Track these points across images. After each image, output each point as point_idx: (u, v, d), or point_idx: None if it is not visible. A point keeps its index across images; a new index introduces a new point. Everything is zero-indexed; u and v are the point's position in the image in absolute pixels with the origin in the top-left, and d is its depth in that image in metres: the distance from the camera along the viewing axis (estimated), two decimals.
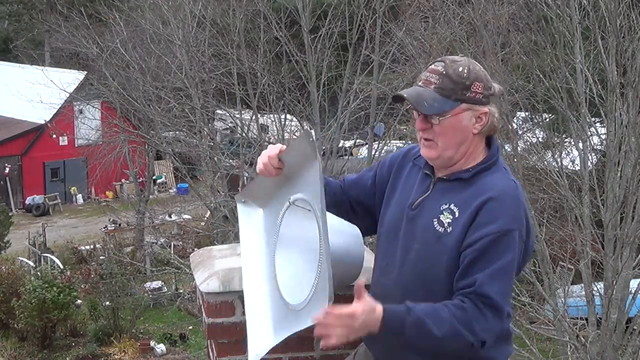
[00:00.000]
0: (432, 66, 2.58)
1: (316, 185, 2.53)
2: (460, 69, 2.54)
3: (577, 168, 11.62)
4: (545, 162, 12.25)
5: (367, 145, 16.84)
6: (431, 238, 2.53)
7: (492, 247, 2.42)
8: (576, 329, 10.92)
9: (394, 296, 2.56)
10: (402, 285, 2.58)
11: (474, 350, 2.42)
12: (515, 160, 11.29)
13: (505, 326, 2.49)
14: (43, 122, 30.27)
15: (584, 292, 10.94)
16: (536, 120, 14.05)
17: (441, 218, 2.51)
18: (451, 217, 2.50)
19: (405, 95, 2.56)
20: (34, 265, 21.83)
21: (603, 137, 11.50)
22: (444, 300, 2.45)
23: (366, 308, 2.34)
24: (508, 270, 2.44)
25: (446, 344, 2.41)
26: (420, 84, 2.56)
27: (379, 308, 2.37)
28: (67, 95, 24.99)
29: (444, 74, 2.53)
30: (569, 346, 10.29)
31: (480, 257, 2.43)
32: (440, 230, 2.51)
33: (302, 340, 2.87)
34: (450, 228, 2.49)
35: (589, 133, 11.21)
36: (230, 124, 18.54)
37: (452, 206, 2.51)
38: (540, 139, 13.78)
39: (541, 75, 11.51)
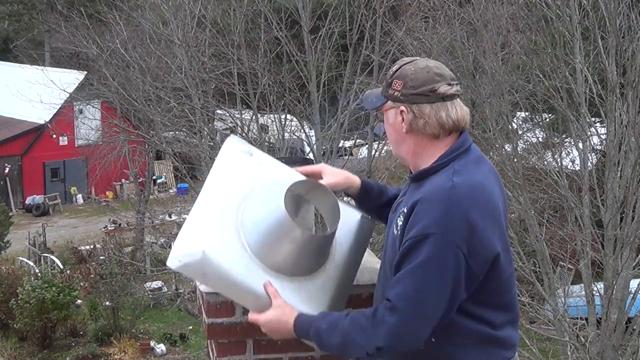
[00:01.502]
0: None
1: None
2: (395, 67, 2.61)
3: (577, 168, 11.62)
4: (545, 162, 12.25)
5: (367, 145, 16.83)
6: (390, 240, 2.58)
7: (408, 251, 2.41)
8: (576, 329, 10.93)
9: (376, 296, 2.68)
10: (379, 287, 2.67)
11: (373, 356, 2.43)
12: (515, 160, 11.29)
13: (403, 327, 2.40)
14: (43, 122, 30.29)
15: (584, 292, 10.94)
16: (536, 120, 14.06)
17: (397, 221, 2.54)
18: (402, 221, 2.51)
19: (364, 93, 2.76)
20: (34, 266, 21.82)
21: (603, 137, 11.50)
22: None
23: (272, 318, 2.56)
24: (415, 273, 2.38)
25: (344, 351, 2.49)
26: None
27: (291, 319, 2.53)
28: (67, 95, 25.00)
29: (388, 72, 2.64)
30: (569, 346, 10.30)
31: (398, 262, 2.44)
32: (395, 233, 2.54)
33: (302, 340, 2.87)
34: (399, 231, 2.51)
35: (589, 133, 11.21)
36: (230, 124, 18.53)
37: (405, 209, 2.52)
38: (540, 139, 13.78)
39: (541, 75, 11.50)
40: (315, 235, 2.72)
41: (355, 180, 2.88)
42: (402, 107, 2.56)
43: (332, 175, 2.85)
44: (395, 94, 2.57)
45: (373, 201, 2.88)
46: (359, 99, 15.48)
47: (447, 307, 2.41)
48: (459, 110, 2.55)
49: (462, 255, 2.38)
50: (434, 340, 2.48)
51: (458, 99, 2.57)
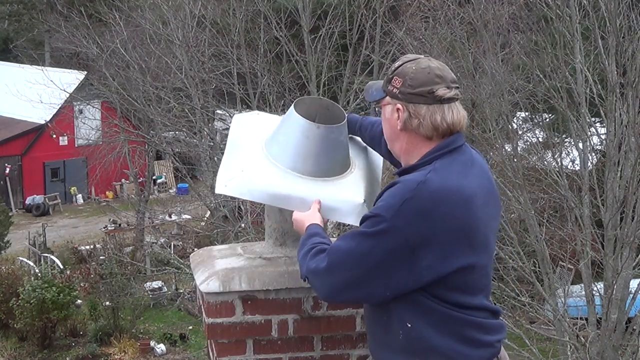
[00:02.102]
0: None
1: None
2: (397, 63, 2.63)
3: (577, 168, 11.62)
4: (545, 162, 12.25)
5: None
6: None
7: (362, 221, 2.53)
8: (576, 329, 10.92)
9: None
10: None
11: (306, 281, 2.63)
12: (515, 160, 11.28)
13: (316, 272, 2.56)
14: (43, 122, 30.30)
15: (584, 292, 10.94)
16: (536, 120, 14.06)
17: None
18: None
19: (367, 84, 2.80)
20: (34, 266, 21.82)
21: (603, 137, 11.50)
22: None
23: (299, 218, 2.78)
24: (354, 237, 2.50)
25: (298, 265, 2.67)
26: None
27: (306, 224, 2.73)
28: (67, 95, 24.99)
29: (392, 66, 2.67)
30: (569, 346, 10.30)
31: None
32: None
33: (302, 340, 2.87)
34: None
35: (589, 133, 11.21)
36: (230, 124, 18.53)
37: None
38: (540, 139, 13.78)
39: (541, 75, 11.50)
40: (331, 127, 2.90)
41: None
42: (399, 105, 2.57)
43: None
44: (394, 90, 2.58)
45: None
46: (359, 98, 15.50)
47: (370, 284, 2.49)
48: (455, 114, 2.54)
49: (408, 247, 2.43)
50: (409, 325, 2.52)
51: (457, 102, 2.56)
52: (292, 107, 2.99)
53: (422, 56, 2.63)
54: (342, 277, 2.52)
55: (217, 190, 2.86)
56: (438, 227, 2.43)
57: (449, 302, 2.51)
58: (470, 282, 2.53)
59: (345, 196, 2.85)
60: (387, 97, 2.61)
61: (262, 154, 2.95)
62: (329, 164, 2.90)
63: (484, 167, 2.64)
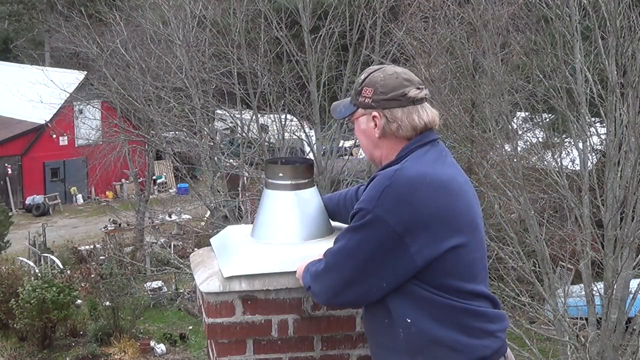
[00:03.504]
0: None
1: None
2: (363, 76, 2.71)
3: (577, 168, 11.62)
4: (545, 162, 12.25)
5: None
6: None
7: (350, 220, 2.59)
8: (576, 329, 10.93)
9: None
10: None
11: (309, 292, 2.70)
12: (515, 160, 11.28)
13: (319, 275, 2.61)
14: (43, 122, 30.31)
15: (584, 292, 10.94)
16: (536, 120, 14.06)
17: None
18: None
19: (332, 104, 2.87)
20: (34, 266, 21.82)
21: (603, 137, 11.50)
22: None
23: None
24: (345, 236, 2.57)
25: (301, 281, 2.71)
26: None
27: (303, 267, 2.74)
28: (67, 95, 25.00)
29: (356, 81, 2.74)
30: (569, 346, 10.30)
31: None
32: None
33: (302, 340, 2.88)
34: None
35: (589, 133, 11.20)
36: (230, 124, 18.53)
37: None
38: (540, 139, 13.78)
39: (541, 76, 11.50)
40: (307, 191, 2.97)
41: None
42: (375, 113, 2.65)
43: None
44: (366, 100, 2.66)
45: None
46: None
47: (367, 278, 2.55)
48: (429, 113, 2.65)
49: (396, 235, 2.49)
50: (409, 320, 2.55)
51: (426, 103, 2.67)
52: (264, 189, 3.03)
53: (386, 64, 2.74)
54: (340, 275, 2.58)
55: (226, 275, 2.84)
56: (420, 212, 2.50)
57: (445, 290, 2.54)
58: (464, 265, 2.56)
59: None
60: (360, 110, 2.69)
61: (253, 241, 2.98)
62: (314, 227, 2.96)
63: (456, 162, 2.75)
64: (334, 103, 2.86)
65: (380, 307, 2.60)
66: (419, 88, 2.63)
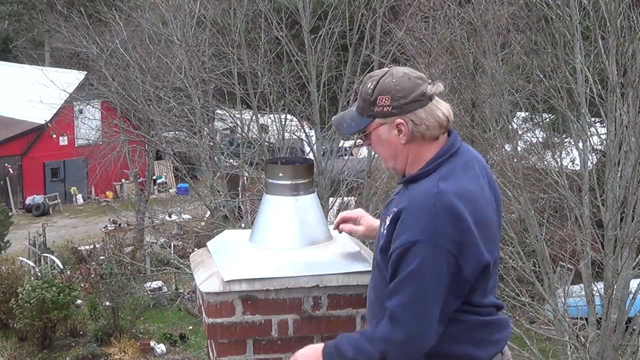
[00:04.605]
0: None
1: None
2: (368, 85, 2.58)
3: (577, 168, 11.61)
4: (545, 162, 12.25)
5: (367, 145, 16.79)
6: (378, 235, 2.66)
7: (398, 260, 2.45)
8: (576, 329, 10.92)
9: (369, 293, 2.75)
10: (370, 284, 2.75)
11: None
12: (515, 160, 11.28)
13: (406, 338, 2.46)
14: (43, 122, 30.30)
15: (584, 292, 10.94)
16: (536, 120, 14.05)
17: (386, 220, 2.59)
18: (390, 221, 2.55)
19: (333, 119, 2.73)
20: (34, 266, 21.82)
21: (603, 137, 11.50)
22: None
23: (305, 352, 2.65)
24: (410, 281, 2.43)
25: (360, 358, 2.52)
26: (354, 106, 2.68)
27: (318, 351, 2.60)
28: (67, 95, 24.99)
29: (357, 92, 2.63)
30: (569, 346, 10.30)
31: (392, 272, 2.48)
32: (382, 231, 2.60)
33: (302, 340, 2.87)
34: (385, 231, 2.57)
35: (589, 133, 11.20)
36: (230, 124, 18.52)
37: (394, 210, 2.56)
38: (540, 139, 13.78)
39: (541, 75, 11.50)
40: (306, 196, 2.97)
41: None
42: (399, 120, 2.55)
43: (367, 227, 2.98)
44: (385, 109, 2.55)
45: None
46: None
47: (445, 310, 2.45)
48: (444, 105, 2.59)
49: (453, 258, 2.42)
50: None
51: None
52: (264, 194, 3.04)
53: (387, 68, 2.63)
54: (425, 322, 2.45)
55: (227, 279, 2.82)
56: (469, 231, 2.43)
57: (469, 306, 2.53)
58: (490, 280, 2.56)
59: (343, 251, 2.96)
60: (377, 120, 2.58)
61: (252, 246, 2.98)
62: (314, 231, 2.96)
63: (482, 164, 2.66)
64: (334, 118, 2.75)
65: None
66: (430, 83, 2.56)
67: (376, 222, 2.90)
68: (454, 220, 2.42)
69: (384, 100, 2.55)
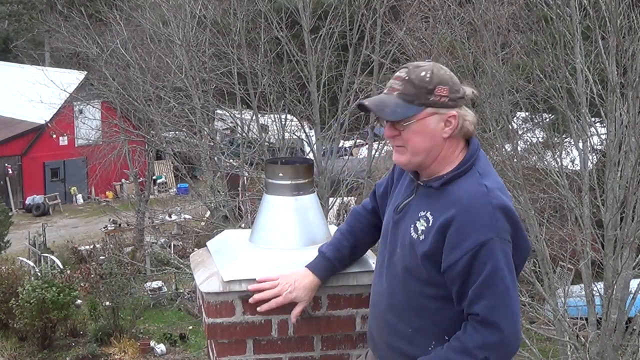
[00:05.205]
0: (397, 73, 2.58)
1: None
2: (423, 73, 2.52)
3: (577, 168, 11.61)
4: (545, 162, 12.24)
5: (367, 145, 16.82)
6: (407, 243, 2.57)
7: (472, 264, 2.43)
8: (576, 329, 10.92)
9: (381, 299, 2.67)
10: (387, 289, 2.65)
11: None
12: (515, 160, 11.28)
13: (508, 338, 2.46)
14: (43, 122, 30.31)
15: (584, 292, 10.93)
16: (536, 120, 14.05)
17: (417, 224, 2.54)
18: (425, 225, 2.52)
19: (366, 104, 2.57)
20: (34, 266, 21.82)
21: (603, 137, 11.49)
22: (423, 301, 2.55)
23: None
24: (491, 282, 2.43)
25: None
26: (385, 91, 2.56)
27: None
28: (67, 95, 25.00)
29: (406, 79, 2.52)
30: (569, 346, 10.29)
31: (465, 278, 2.45)
32: (414, 236, 2.54)
33: (302, 340, 2.87)
34: (423, 236, 2.52)
35: (589, 133, 11.20)
36: (230, 124, 18.53)
37: (427, 214, 2.52)
38: (540, 139, 13.77)
39: (541, 75, 11.50)
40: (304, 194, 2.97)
41: (315, 283, 2.82)
42: (453, 112, 2.53)
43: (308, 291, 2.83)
44: (442, 100, 2.51)
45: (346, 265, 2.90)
46: (359, 98, 15.47)
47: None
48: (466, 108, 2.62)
49: (511, 252, 2.47)
50: (447, 338, 2.52)
51: None
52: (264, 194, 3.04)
53: (429, 61, 2.60)
54: (516, 317, 2.47)
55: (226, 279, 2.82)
56: (518, 224, 2.50)
57: None
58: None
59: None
60: (428, 109, 2.51)
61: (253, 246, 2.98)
62: (314, 231, 2.97)
63: None
64: (370, 102, 2.60)
65: (434, 321, 2.56)
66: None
67: (308, 279, 2.80)
68: (507, 217, 2.45)
69: (442, 90, 2.51)
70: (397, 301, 2.61)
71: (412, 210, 2.58)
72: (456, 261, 2.44)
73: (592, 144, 11.48)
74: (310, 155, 15.08)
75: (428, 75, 2.51)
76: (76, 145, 29.82)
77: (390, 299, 2.63)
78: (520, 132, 14.21)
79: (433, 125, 2.53)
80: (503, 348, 2.45)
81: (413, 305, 2.56)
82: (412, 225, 2.55)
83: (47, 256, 22.79)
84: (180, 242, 22.95)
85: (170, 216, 23.34)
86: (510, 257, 2.45)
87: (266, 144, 15.72)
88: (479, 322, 2.43)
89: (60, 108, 28.01)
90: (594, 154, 11.80)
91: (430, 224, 2.51)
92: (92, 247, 23.92)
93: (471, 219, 2.43)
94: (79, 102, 27.42)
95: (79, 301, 19.35)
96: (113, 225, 26.25)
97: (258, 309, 2.77)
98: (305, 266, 2.81)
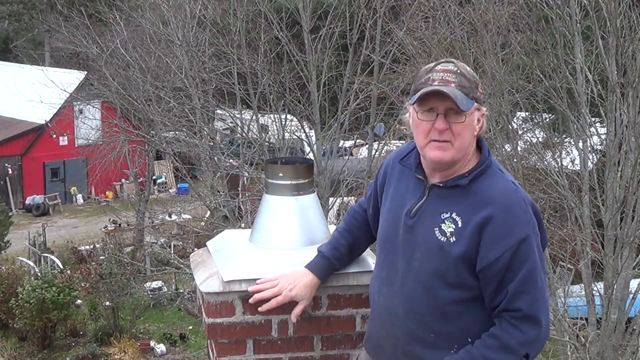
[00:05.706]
0: (443, 66, 2.49)
1: None
2: (468, 68, 2.51)
3: (577, 168, 11.61)
4: (545, 162, 12.24)
5: (367, 145, 16.82)
6: (433, 247, 2.50)
7: (514, 260, 2.43)
8: (576, 329, 10.92)
9: (397, 307, 2.59)
10: (405, 296, 2.58)
11: None
12: (515, 160, 11.28)
13: (545, 332, 2.48)
14: (43, 122, 30.30)
15: (584, 292, 10.93)
16: (536, 120, 14.04)
17: (442, 227, 2.49)
18: (454, 227, 2.47)
19: (445, 91, 2.43)
20: (34, 266, 21.81)
21: (603, 137, 11.49)
22: (448, 306, 2.49)
23: None
24: (532, 276, 2.44)
25: None
26: (436, 84, 2.46)
27: None
28: (67, 95, 25.00)
29: (459, 72, 2.47)
30: (569, 346, 10.29)
31: (505, 274, 2.43)
32: (442, 239, 2.49)
33: (302, 340, 2.87)
34: (454, 238, 2.47)
35: (589, 133, 11.20)
36: (230, 124, 18.52)
37: (454, 215, 2.48)
38: (540, 139, 13.77)
39: (541, 75, 11.49)
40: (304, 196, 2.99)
41: (314, 282, 2.81)
42: (484, 110, 2.54)
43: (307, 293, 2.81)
44: (480, 96, 2.52)
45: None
46: (359, 98, 15.47)
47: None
48: None
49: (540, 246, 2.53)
50: (470, 340, 2.51)
51: None
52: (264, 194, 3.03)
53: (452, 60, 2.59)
54: (548, 308, 2.53)
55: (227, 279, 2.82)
56: (540, 218, 2.54)
57: None
58: None
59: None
60: (475, 104, 2.49)
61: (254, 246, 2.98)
62: (314, 231, 2.97)
63: None
64: (450, 90, 2.44)
65: (460, 321, 2.53)
66: None
67: (306, 279, 2.78)
68: (535, 212, 2.50)
69: (480, 87, 2.53)
70: (417, 307, 2.54)
71: (429, 213, 2.53)
72: (497, 258, 2.43)
73: (592, 143, 11.48)
74: (310, 155, 15.08)
75: (472, 70, 2.52)
76: (76, 145, 29.82)
77: (408, 305, 2.56)
78: (520, 132, 14.20)
79: (474, 121, 2.51)
80: (540, 342, 2.47)
81: (437, 310, 2.51)
82: (437, 228, 2.50)
83: (47, 256, 22.79)
84: (180, 242, 22.94)
85: (170, 216, 23.34)
86: (541, 251, 2.49)
87: (266, 144, 15.72)
88: (519, 317, 2.43)
89: (60, 108, 28.01)
90: (594, 154, 11.80)
91: (460, 225, 2.46)
92: (92, 247, 23.92)
93: (511, 216, 2.43)
94: (79, 102, 27.42)
95: (79, 301, 19.35)
96: (113, 225, 26.25)
97: (259, 308, 2.76)
98: (305, 266, 2.80)
